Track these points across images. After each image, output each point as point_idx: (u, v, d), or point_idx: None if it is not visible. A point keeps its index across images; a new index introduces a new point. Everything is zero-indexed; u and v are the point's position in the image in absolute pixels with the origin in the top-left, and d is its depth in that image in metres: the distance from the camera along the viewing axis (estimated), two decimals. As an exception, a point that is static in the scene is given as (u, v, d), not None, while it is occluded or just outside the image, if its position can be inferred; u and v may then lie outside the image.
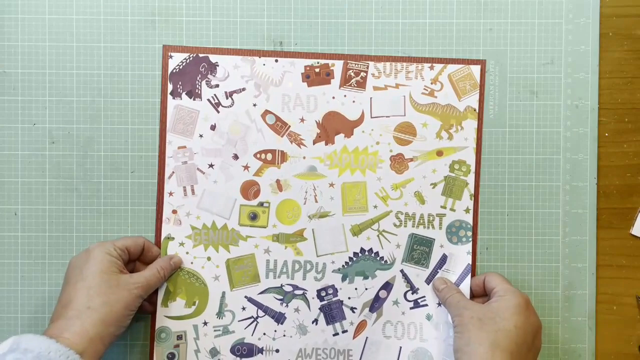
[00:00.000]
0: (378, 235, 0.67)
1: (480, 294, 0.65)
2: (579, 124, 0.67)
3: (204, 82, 0.67)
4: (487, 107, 0.67)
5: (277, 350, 0.66)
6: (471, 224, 0.67)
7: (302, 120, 0.67)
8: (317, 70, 0.67)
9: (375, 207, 0.67)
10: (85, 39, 0.67)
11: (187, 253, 0.66)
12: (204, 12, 0.67)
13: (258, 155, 0.67)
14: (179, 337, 0.66)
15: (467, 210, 0.67)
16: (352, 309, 0.66)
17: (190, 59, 0.67)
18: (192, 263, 0.66)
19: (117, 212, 0.67)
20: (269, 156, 0.67)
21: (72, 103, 0.67)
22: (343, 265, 0.67)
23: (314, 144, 0.67)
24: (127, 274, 0.61)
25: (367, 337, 0.66)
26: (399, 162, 0.67)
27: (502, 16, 0.67)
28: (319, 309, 0.66)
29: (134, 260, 0.65)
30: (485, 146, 0.67)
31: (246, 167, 0.67)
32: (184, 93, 0.67)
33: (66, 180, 0.67)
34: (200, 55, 0.67)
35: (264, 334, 0.66)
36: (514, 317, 0.58)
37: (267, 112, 0.67)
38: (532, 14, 0.67)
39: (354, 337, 0.66)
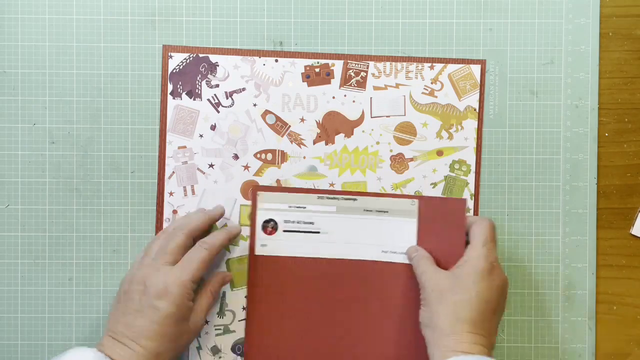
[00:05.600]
0: None
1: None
2: (579, 124, 0.67)
3: (204, 82, 0.67)
4: (487, 107, 0.67)
5: None
6: None
7: (302, 120, 0.67)
8: (317, 70, 0.67)
9: None
10: (85, 39, 0.66)
11: None
12: (204, 12, 0.67)
13: (258, 155, 0.67)
14: None
15: (467, 210, 0.67)
16: None
17: (191, 59, 0.67)
18: None
19: (117, 212, 0.67)
20: (269, 156, 0.67)
21: (72, 103, 0.67)
22: None
23: (314, 143, 0.67)
24: (190, 320, 0.60)
25: None
26: (399, 162, 0.67)
27: (502, 16, 0.67)
28: None
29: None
30: (485, 146, 0.67)
31: (246, 167, 0.67)
32: (184, 93, 0.67)
33: (66, 180, 0.67)
34: (201, 55, 0.67)
35: None
36: (475, 285, 0.57)
37: (267, 112, 0.67)
38: (532, 14, 0.67)
39: None
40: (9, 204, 0.66)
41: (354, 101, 0.67)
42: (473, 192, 0.67)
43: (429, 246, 0.64)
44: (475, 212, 0.67)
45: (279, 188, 0.66)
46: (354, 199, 0.65)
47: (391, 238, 0.65)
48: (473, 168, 0.67)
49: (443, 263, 0.63)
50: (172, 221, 0.65)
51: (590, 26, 0.67)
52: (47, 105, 0.66)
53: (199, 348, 0.66)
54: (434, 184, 0.67)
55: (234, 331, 0.66)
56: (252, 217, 0.65)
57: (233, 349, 0.66)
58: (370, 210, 0.65)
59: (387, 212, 0.65)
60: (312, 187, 0.66)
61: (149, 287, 0.57)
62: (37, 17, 0.66)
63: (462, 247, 0.63)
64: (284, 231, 0.65)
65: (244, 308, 0.66)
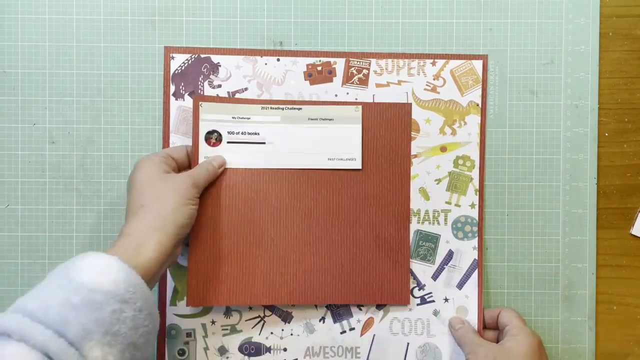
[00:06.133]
0: None
1: (493, 327, 0.65)
2: (579, 124, 0.67)
3: (206, 83, 0.67)
4: (487, 107, 0.67)
5: (285, 349, 0.66)
6: (477, 219, 0.67)
7: None
8: (319, 68, 0.67)
9: None
10: (85, 39, 0.66)
11: None
12: (204, 12, 0.67)
13: None
14: (188, 335, 0.66)
15: (472, 206, 0.67)
16: (359, 306, 0.66)
17: (192, 59, 0.66)
18: None
19: (117, 212, 0.67)
20: None
21: (72, 103, 0.66)
22: None
23: None
24: (175, 173, 0.60)
25: (374, 335, 0.66)
26: None
27: (502, 16, 0.67)
28: (326, 307, 0.66)
29: (184, 169, 0.64)
30: (486, 146, 0.67)
31: None
32: (186, 94, 0.66)
33: (66, 180, 0.67)
34: (202, 55, 0.67)
35: (272, 333, 0.66)
36: (526, 359, 0.58)
37: None
38: (532, 14, 0.67)
39: (361, 335, 0.66)
40: (9, 204, 0.66)
41: (356, 99, 0.67)
42: (478, 187, 0.67)
43: (375, 151, 0.65)
44: (481, 207, 0.67)
45: (222, 99, 0.65)
46: (299, 108, 0.65)
47: (337, 145, 0.65)
48: (477, 163, 0.67)
49: (390, 165, 0.65)
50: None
51: (590, 26, 0.67)
52: (47, 105, 0.66)
53: (205, 349, 0.66)
54: (438, 180, 0.67)
55: (240, 330, 0.66)
56: (195, 128, 0.64)
57: (240, 349, 0.66)
58: (315, 119, 0.65)
59: (331, 119, 0.65)
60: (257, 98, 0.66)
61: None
62: (37, 17, 0.66)
63: (408, 150, 0.66)
64: (228, 142, 0.64)
65: (250, 308, 0.66)
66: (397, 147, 0.66)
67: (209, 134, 0.64)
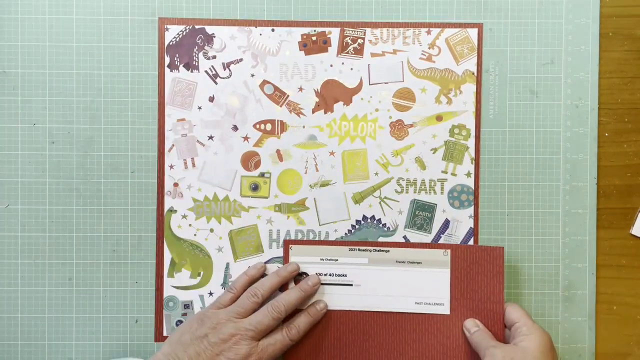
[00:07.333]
0: (380, 202, 0.67)
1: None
2: (579, 124, 0.67)
3: (201, 54, 0.67)
4: (487, 107, 0.67)
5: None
6: (472, 187, 0.67)
7: (301, 89, 0.67)
8: (314, 38, 0.67)
9: (377, 174, 0.67)
10: (85, 39, 0.67)
11: (190, 225, 0.67)
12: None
13: (257, 126, 0.67)
14: (186, 306, 0.67)
15: (468, 175, 0.67)
16: None
17: (187, 30, 0.67)
18: (195, 235, 0.67)
19: (117, 212, 0.67)
20: (269, 126, 0.67)
21: (72, 103, 0.67)
22: (346, 234, 0.67)
23: (313, 112, 0.67)
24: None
25: None
26: (398, 129, 0.67)
27: (502, 16, 0.67)
28: None
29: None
30: (485, 146, 0.67)
31: (246, 138, 0.67)
32: (181, 65, 0.67)
33: (66, 180, 0.67)
34: (197, 26, 0.67)
35: None
36: (542, 357, 0.59)
37: (265, 82, 0.67)
38: (532, 14, 0.67)
39: None
40: (9, 204, 0.66)
41: (351, 69, 0.67)
42: (474, 156, 0.67)
43: (464, 295, 0.64)
44: (477, 176, 0.67)
45: (311, 241, 0.66)
46: (386, 251, 0.65)
47: (424, 289, 0.65)
48: (473, 132, 0.67)
49: (481, 309, 0.64)
50: (252, 268, 0.66)
51: (590, 26, 0.67)
52: (47, 105, 0.66)
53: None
54: (434, 149, 0.67)
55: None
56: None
57: None
58: (403, 262, 0.65)
59: (419, 263, 0.65)
60: (342, 239, 0.66)
61: (219, 333, 0.61)
62: (37, 17, 0.66)
63: (501, 295, 0.63)
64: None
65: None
66: (488, 291, 0.64)
67: (299, 275, 0.65)
